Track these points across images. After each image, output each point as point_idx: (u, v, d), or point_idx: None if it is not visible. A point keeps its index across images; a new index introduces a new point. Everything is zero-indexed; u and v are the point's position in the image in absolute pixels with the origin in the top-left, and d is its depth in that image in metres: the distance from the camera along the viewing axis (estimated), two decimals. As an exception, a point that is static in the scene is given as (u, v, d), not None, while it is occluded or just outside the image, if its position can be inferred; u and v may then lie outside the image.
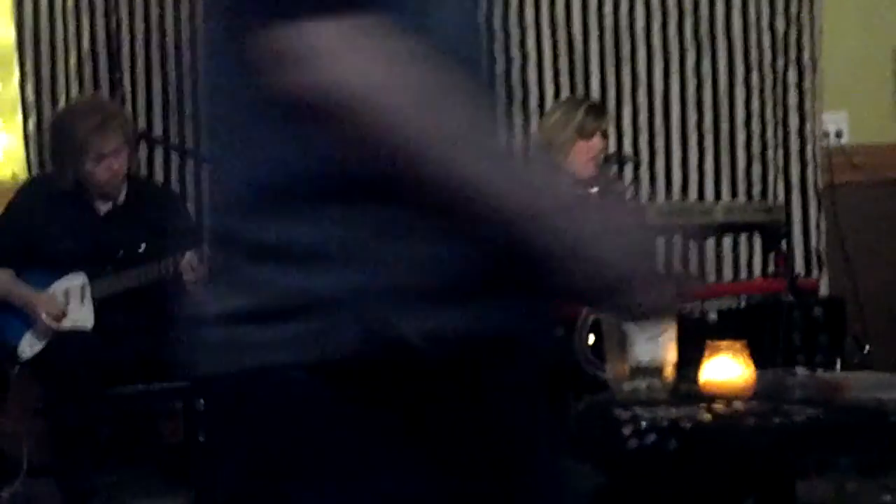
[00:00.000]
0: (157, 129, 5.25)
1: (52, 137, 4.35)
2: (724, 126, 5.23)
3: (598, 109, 4.68)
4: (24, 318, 4.17)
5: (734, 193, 5.22)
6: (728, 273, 5.19)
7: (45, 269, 4.21)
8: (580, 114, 4.56)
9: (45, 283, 4.22)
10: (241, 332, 1.24)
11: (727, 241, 5.21)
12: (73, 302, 4.17)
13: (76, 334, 4.14)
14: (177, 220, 4.50)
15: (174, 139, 5.25)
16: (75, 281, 4.18)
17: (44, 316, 4.13)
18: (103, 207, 4.32)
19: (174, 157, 5.28)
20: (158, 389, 4.29)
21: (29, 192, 4.45)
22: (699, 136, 5.24)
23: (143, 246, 4.26)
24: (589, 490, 2.85)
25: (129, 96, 5.25)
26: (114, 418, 4.22)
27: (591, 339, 3.69)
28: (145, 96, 5.29)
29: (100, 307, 4.17)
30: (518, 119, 5.27)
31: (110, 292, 4.16)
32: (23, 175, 4.96)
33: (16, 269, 4.24)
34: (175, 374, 4.23)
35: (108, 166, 4.20)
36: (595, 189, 4.60)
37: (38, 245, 4.24)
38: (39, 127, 4.96)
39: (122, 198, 4.33)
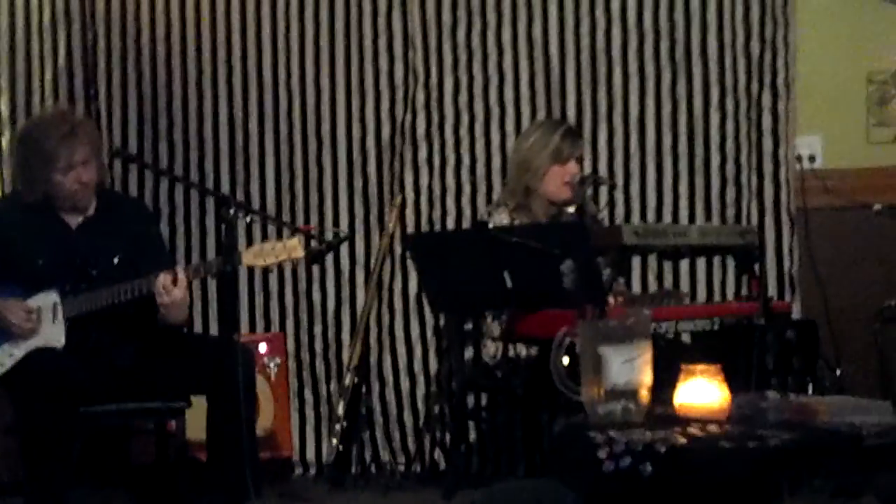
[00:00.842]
0: (132, 147, 5.24)
1: (21, 149, 4.31)
2: (699, 149, 5.25)
3: (575, 134, 4.69)
4: (-5, 336, 4.14)
5: (708, 216, 5.23)
6: (702, 295, 5.20)
7: (17, 286, 4.17)
8: (557, 138, 4.57)
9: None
10: None
11: (701, 264, 5.22)
12: (44, 320, 4.14)
13: (47, 352, 4.09)
14: (150, 234, 4.47)
15: (148, 156, 5.24)
16: (47, 299, 4.15)
17: (14, 322, 4.08)
18: (74, 220, 4.29)
19: (148, 175, 5.27)
20: (130, 409, 4.26)
21: (-2, 210, 4.41)
22: (674, 159, 5.25)
23: (117, 258, 4.23)
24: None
25: (104, 113, 5.24)
26: (85, 437, 4.18)
27: (566, 360, 3.69)
28: (121, 113, 5.27)
29: (71, 326, 4.13)
30: (495, 138, 5.28)
31: (82, 311, 4.13)
32: (-1, 191, 4.93)
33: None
34: (147, 394, 4.22)
35: (78, 177, 4.17)
36: (570, 211, 4.62)
37: (9, 262, 4.20)
38: (15, 143, 4.94)
39: (92, 210, 4.30)
